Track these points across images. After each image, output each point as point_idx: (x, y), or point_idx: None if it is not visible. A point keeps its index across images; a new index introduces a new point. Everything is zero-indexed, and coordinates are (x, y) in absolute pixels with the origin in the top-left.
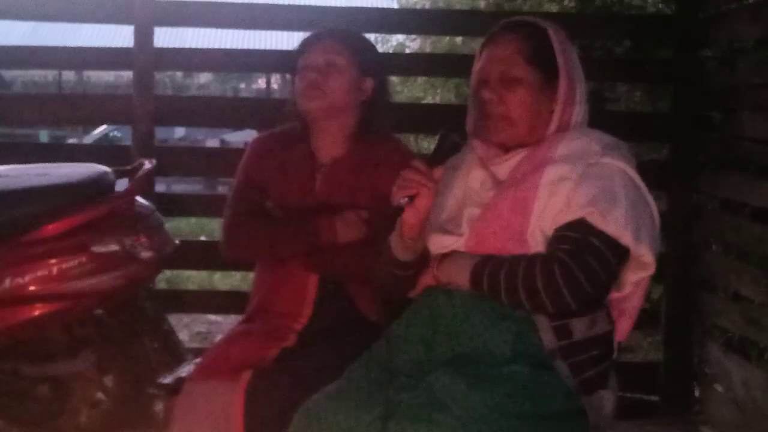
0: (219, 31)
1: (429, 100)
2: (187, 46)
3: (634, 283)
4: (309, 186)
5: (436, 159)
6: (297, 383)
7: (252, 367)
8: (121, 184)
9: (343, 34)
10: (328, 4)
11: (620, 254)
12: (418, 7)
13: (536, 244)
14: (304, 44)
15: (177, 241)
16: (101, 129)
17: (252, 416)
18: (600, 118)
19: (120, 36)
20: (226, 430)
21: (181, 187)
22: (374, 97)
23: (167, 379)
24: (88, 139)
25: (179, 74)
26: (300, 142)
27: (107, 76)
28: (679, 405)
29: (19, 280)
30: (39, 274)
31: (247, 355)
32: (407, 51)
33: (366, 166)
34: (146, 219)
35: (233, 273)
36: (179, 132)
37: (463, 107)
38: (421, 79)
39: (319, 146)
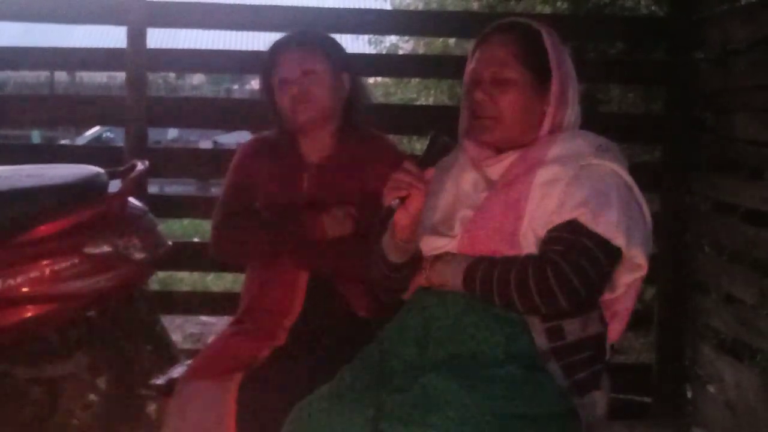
0: (212, 32)
1: (422, 101)
2: (180, 47)
3: (627, 284)
4: (296, 185)
5: (427, 160)
6: (289, 383)
7: (244, 367)
8: (114, 185)
9: (307, 38)
10: (321, 6)
11: (612, 255)
12: (412, 8)
13: (528, 245)
14: (273, 56)
15: (170, 243)
16: (94, 130)
17: (244, 416)
18: (593, 120)
19: (113, 37)
20: (219, 430)
21: (174, 188)
22: (353, 90)
23: (160, 381)
24: (80, 140)
25: (172, 75)
26: (287, 145)
27: (100, 77)
28: (672, 406)
29: (12, 282)
30: (31, 275)
31: (239, 355)
32: (400, 52)
33: (353, 163)
34: (139, 220)
35: (226, 274)
36: (172, 133)
37: (457, 109)
38: (414, 81)
39: (306, 147)
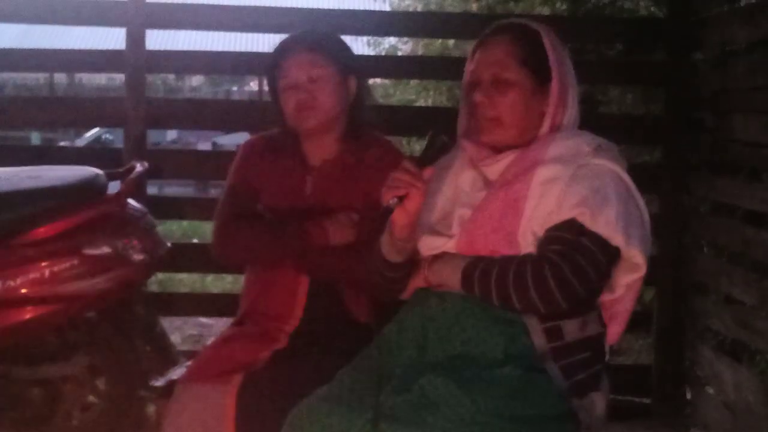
0: (211, 33)
1: (421, 102)
2: (179, 48)
3: (626, 285)
4: (300, 189)
5: (425, 159)
6: (288, 386)
7: (243, 369)
8: (113, 187)
9: (315, 40)
10: (319, 7)
11: (611, 255)
12: (411, 9)
13: (527, 244)
14: (278, 58)
15: (169, 244)
16: (93, 132)
17: (243, 419)
18: (592, 121)
19: (112, 38)
20: None
21: (173, 189)
22: (359, 94)
23: (159, 382)
24: (80, 142)
25: (171, 77)
26: (290, 146)
27: (99, 79)
28: (671, 407)
29: (11, 283)
30: (31, 276)
31: (239, 357)
32: (399, 54)
33: (356, 168)
34: (138, 222)
35: (225, 276)
36: (171, 135)
37: (455, 110)
38: (413, 82)
39: (310, 150)
